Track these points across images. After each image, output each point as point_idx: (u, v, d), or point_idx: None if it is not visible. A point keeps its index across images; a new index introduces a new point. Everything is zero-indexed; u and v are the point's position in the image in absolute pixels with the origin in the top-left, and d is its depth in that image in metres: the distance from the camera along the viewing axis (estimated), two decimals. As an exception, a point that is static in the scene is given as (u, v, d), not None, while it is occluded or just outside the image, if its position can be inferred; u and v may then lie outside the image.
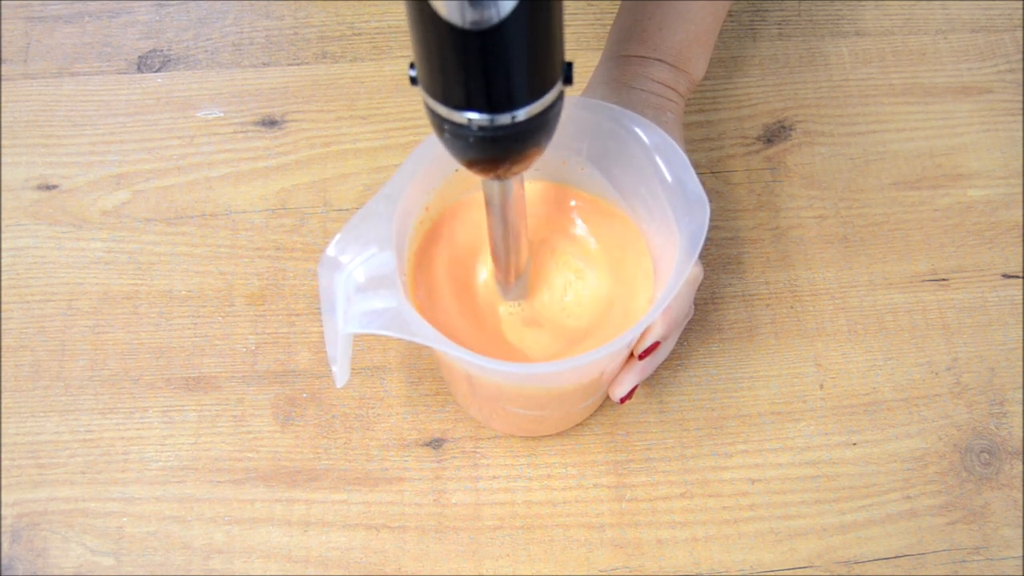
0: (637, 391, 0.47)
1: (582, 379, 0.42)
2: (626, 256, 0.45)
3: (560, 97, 0.32)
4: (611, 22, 0.52)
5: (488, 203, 0.38)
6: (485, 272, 0.45)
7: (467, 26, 0.27)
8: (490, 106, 0.30)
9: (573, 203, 0.46)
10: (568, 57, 0.32)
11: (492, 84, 0.29)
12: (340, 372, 0.39)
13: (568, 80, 0.32)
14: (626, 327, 0.42)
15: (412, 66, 0.31)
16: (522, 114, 0.30)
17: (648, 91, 0.47)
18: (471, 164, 0.33)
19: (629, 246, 0.45)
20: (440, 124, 0.32)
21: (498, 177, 0.35)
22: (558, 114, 0.33)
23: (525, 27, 0.28)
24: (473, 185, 0.45)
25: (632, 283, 0.44)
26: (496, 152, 0.32)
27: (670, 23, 0.48)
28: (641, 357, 0.44)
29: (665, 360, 0.49)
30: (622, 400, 0.46)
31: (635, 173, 0.42)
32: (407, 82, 0.61)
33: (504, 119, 0.30)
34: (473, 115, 0.30)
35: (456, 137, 0.31)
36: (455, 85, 0.30)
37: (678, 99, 0.49)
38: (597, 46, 0.52)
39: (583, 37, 0.62)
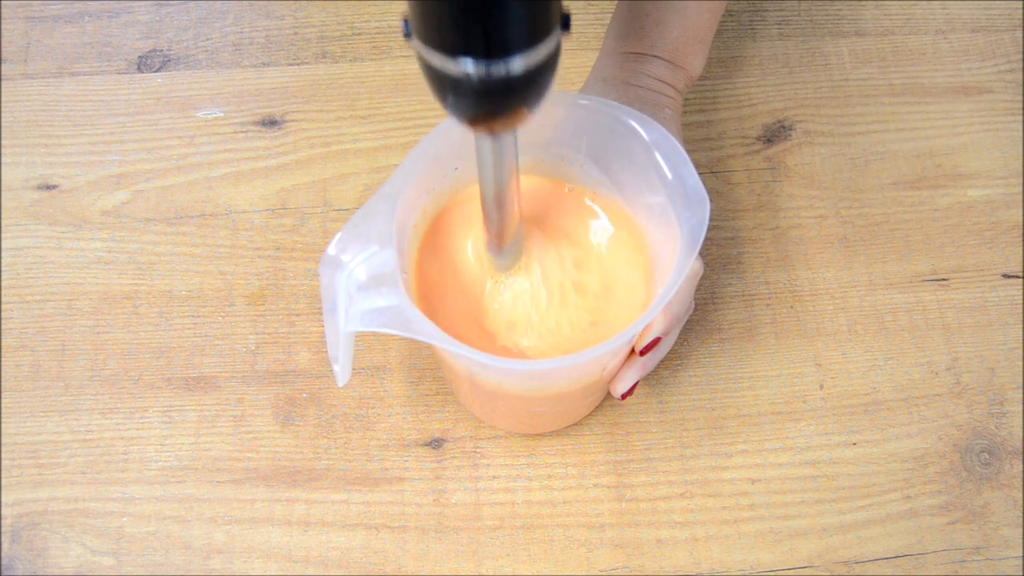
0: (637, 389, 0.47)
1: (583, 376, 0.42)
2: (625, 253, 0.45)
3: (558, 47, 0.31)
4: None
5: (480, 161, 0.36)
6: (486, 269, 0.45)
7: None
8: (487, 51, 0.29)
9: (571, 199, 0.46)
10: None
11: (489, 27, 0.28)
12: (341, 371, 0.39)
13: (566, 26, 0.31)
14: (626, 324, 0.42)
15: (405, 22, 0.30)
16: (519, 60, 0.29)
17: (646, 87, 0.47)
18: (465, 116, 0.32)
19: (627, 242, 0.45)
20: (434, 74, 0.30)
21: (492, 132, 0.34)
22: (556, 62, 0.32)
23: None
24: (474, 182, 0.45)
25: (631, 279, 0.44)
26: (493, 101, 0.31)
27: (667, 20, 0.49)
28: (642, 353, 0.44)
29: (665, 359, 0.49)
30: (623, 396, 0.45)
31: (635, 169, 0.42)
32: (407, 82, 0.61)
33: (500, 65, 0.29)
34: (469, 61, 0.29)
35: (452, 88, 0.30)
36: (451, 30, 0.29)
37: (676, 95, 0.49)
38: (597, 45, 0.52)
39: (583, 37, 0.62)
